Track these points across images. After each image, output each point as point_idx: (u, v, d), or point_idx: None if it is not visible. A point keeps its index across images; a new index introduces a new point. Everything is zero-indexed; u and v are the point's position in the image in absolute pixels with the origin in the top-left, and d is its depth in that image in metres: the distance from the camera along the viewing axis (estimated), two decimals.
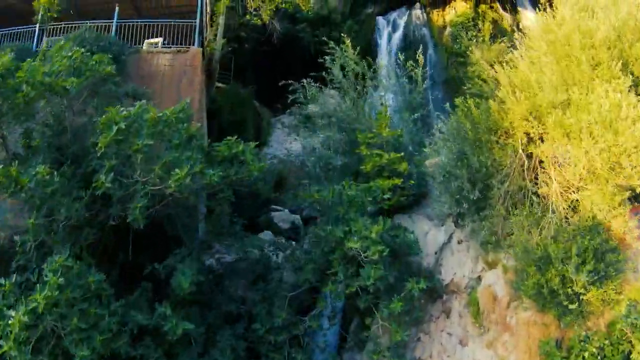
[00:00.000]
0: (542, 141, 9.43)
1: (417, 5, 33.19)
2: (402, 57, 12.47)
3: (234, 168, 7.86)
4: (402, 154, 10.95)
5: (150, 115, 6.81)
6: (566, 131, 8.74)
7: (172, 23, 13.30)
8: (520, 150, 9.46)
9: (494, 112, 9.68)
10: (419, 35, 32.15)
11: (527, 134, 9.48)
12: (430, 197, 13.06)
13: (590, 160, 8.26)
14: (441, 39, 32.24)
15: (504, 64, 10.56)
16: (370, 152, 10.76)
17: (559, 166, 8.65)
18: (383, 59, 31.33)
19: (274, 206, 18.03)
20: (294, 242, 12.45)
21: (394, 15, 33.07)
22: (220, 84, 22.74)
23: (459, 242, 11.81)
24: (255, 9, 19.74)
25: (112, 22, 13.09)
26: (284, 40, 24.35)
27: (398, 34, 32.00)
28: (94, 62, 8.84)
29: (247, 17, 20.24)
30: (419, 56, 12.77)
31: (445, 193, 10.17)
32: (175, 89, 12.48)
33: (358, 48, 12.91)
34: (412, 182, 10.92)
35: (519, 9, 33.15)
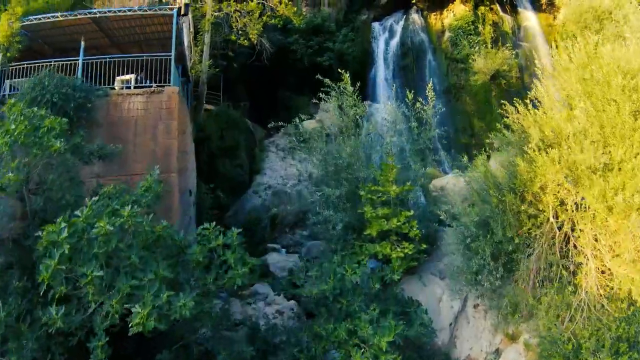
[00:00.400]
0: (577, 208, 8.07)
1: (414, 9, 31.56)
2: (410, 97, 10.90)
3: (212, 273, 6.41)
4: (412, 212, 9.53)
5: (101, 227, 5.35)
6: (608, 204, 7.37)
7: (145, 57, 11.72)
8: (552, 220, 8.09)
9: (522, 173, 8.26)
10: (417, 41, 30.56)
11: (561, 200, 8.09)
12: (441, 249, 11.76)
13: (637, 247, 6.90)
14: (440, 45, 30.70)
15: (529, 105, 9.09)
16: (375, 213, 9.35)
17: (598, 251, 7.27)
18: (380, 68, 30.01)
19: (270, 244, 16.66)
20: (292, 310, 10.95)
21: (390, 20, 31.37)
22: (209, 106, 21.14)
23: (475, 307, 10.49)
24: (242, 28, 18.09)
25: (78, 60, 11.49)
26: (275, 53, 22.74)
27: (395, 41, 30.32)
28: (44, 131, 7.36)
29: (233, 37, 18.56)
30: (429, 91, 11.23)
31: (463, 265, 8.81)
32: (151, 137, 10.98)
33: (358, 84, 11.38)
34: (425, 246, 9.52)
35: (519, 9, 31.70)
